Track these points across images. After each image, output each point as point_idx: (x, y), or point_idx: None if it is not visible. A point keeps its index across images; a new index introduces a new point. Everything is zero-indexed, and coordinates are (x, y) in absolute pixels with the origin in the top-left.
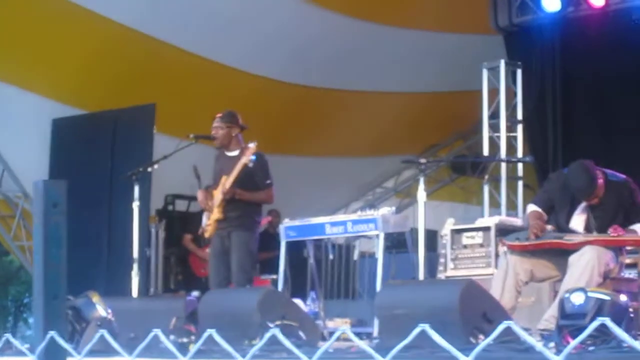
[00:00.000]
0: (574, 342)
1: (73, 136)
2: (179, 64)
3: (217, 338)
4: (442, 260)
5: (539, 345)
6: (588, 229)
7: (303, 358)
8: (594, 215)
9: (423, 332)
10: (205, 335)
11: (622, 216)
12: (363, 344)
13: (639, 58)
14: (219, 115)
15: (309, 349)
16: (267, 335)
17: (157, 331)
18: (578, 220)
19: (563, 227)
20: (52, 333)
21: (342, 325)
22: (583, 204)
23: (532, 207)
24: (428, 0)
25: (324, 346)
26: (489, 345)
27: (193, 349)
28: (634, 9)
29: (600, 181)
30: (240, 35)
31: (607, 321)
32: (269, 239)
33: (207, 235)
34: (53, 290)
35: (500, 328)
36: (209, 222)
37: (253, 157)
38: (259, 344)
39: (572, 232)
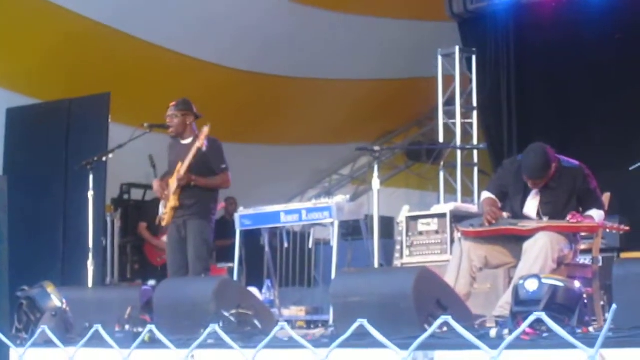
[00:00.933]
0: (510, 338)
1: (27, 126)
2: (132, 53)
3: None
4: (398, 247)
5: (475, 340)
6: (540, 213)
7: (244, 353)
8: (545, 200)
9: (383, 319)
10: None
11: (576, 202)
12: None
13: (592, 44)
14: (173, 103)
15: (264, 337)
16: (207, 331)
17: (98, 327)
18: (531, 205)
19: (517, 213)
20: None
21: (297, 314)
22: (536, 190)
23: (485, 194)
24: None
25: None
26: (443, 332)
27: (138, 340)
28: None
29: (553, 166)
30: (193, 22)
31: (543, 316)
32: (226, 227)
33: (163, 223)
34: None
35: (438, 323)
36: (165, 211)
37: (206, 142)
38: (197, 340)
39: (527, 218)
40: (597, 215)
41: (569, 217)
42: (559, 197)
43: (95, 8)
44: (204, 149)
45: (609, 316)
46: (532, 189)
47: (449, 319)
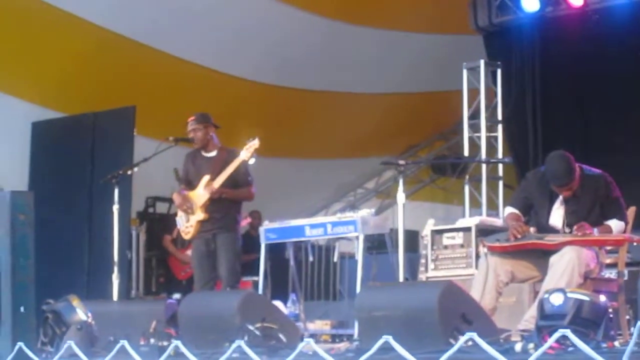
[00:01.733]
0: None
1: (53, 139)
2: (158, 66)
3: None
4: (422, 261)
5: (499, 356)
6: (566, 223)
7: None
8: (570, 209)
9: (408, 333)
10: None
11: (599, 210)
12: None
13: (617, 57)
14: (192, 118)
15: (289, 351)
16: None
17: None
18: (556, 215)
19: (543, 225)
20: (20, 344)
21: (322, 327)
22: (560, 199)
23: (509, 210)
24: (411, 1)
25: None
26: (468, 347)
27: (165, 355)
28: (612, 9)
29: (577, 174)
30: (218, 36)
31: (568, 332)
32: (251, 241)
33: (187, 237)
34: (20, 301)
35: (463, 339)
36: (189, 224)
37: (254, 156)
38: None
39: (553, 231)
40: (615, 225)
41: (574, 229)
42: (584, 205)
43: (122, 22)
44: (251, 162)
45: (635, 331)
46: (556, 200)
47: (474, 335)
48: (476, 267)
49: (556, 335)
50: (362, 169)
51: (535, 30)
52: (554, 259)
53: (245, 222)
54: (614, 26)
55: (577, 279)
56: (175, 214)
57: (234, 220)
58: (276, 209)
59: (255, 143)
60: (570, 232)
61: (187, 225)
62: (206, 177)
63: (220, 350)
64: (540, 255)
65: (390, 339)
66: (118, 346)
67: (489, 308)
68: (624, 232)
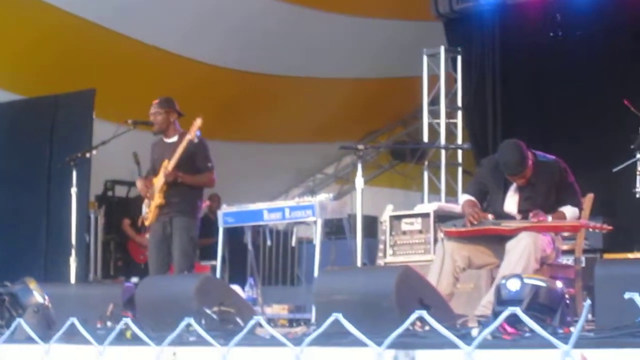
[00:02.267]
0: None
1: (11, 122)
2: (118, 49)
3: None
4: (381, 246)
5: (452, 336)
6: (520, 209)
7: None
8: (525, 195)
9: (365, 318)
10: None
11: (554, 196)
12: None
13: (577, 45)
14: (156, 101)
15: (247, 335)
16: (181, 325)
17: (73, 319)
18: (511, 202)
19: (498, 211)
20: None
21: (280, 312)
22: (514, 185)
23: (464, 197)
24: None
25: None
26: (425, 331)
27: (112, 335)
28: None
29: (530, 162)
30: (179, 20)
31: (518, 311)
32: (209, 225)
33: (147, 223)
34: None
35: (412, 317)
36: (149, 210)
37: (198, 133)
38: (171, 335)
39: (509, 218)
40: (569, 211)
41: (530, 216)
42: (539, 192)
43: (81, 4)
44: (195, 140)
45: (584, 312)
46: (510, 187)
47: (423, 313)
48: (434, 253)
49: (506, 313)
50: (322, 154)
51: (496, 17)
52: (510, 245)
53: (204, 205)
54: (574, 12)
55: (534, 264)
56: (134, 198)
57: (192, 205)
58: (236, 193)
59: (197, 122)
60: (525, 219)
61: (147, 211)
62: (165, 162)
63: (180, 333)
64: (497, 241)
65: (340, 316)
66: (67, 324)
67: (446, 293)
68: (578, 218)
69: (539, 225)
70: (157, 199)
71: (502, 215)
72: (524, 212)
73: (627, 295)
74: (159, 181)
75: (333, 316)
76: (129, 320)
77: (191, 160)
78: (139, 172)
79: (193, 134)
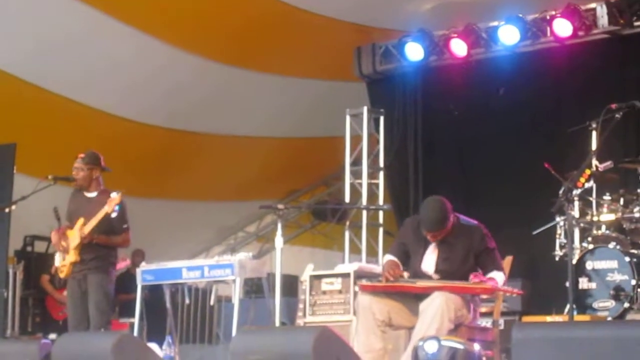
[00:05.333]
0: None
1: None
2: (40, 104)
3: None
4: (301, 306)
5: None
6: (437, 270)
7: None
8: (443, 256)
9: None
10: None
11: (473, 260)
12: None
13: (499, 107)
14: (80, 155)
15: None
16: None
17: None
18: (429, 260)
19: (416, 269)
20: None
21: None
22: (433, 245)
23: (387, 257)
24: (294, 47)
25: None
26: None
27: None
28: (494, 59)
29: (450, 223)
30: (107, 78)
31: None
32: (131, 281)
33: (62, 275)
34: None
35: None
36: (64, 263)
37: (117, 208)
38: None
39: (425, 277)
40: (498, 277)
41: (471, 277)
42: (456, 253)
43: (3, 58)
44: (113, 215)
45: None
46: (430, 245)
47: None
48: (354, 312)
49: None
50: (244, 213)
51: (418, 78)
52: (423, 305)
53: (124, 264)
54: (495, 75)
55: (447, 324)
56: (53, 254)
57: (106, 261)
58: (159, 250)
59: (116, 197)
60: (440, 279)
61: (62, 263)
62: (81, 220)
63: None
64: (414, 301)
65: None
66: None
67: (377, 348)
68: (504, 283)
69: (453, 285)
70: (72, 256)
71: (419, 274)
72: (440, 272)
73: None
74: (74, 238)
75: None
76: None
77: (108, 222)
78: (59, 227)
79: (111, 208)
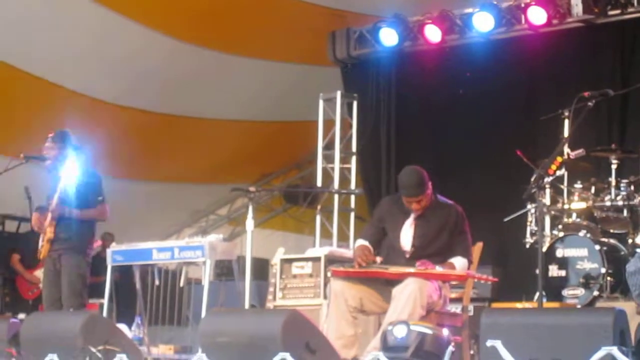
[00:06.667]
0: None
1: None
2: (11, 82)
3: None
4: (271, 289)
5: None
6: (414, 244)
7: None
8: (419, 232)
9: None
10: None
11: (446, 238)
12: None
13: (472, 92)
14: (50, 135)
15: None
16: None
17: None
18: (406, 235)
19: (393, 245)
20: None
21: (166, 352)
22: (410, 220)
23: (359, 242)
24: (270, 30)
25: None
26: None
27: None
28: (468, 46)
29: (429, 191)
30: (79, 59)
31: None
32: (101, 263)
33: (41, 256)
34: None
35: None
36: (42, 243)
37: (79, 177)
38: None
39: (401, 253)
40: (460, 263)
41: (417, 264)
42: (433, 229)
43: None
44: (73, 181)
45: None
46: (407, 221)
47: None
48: (324, 297)
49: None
50: (216, 195)
51: (392, 64)
52: (396, 291)
53: (96, 245)
54: (469, 61)
55: (420, 310)
56: (24, 233)
57: (82, 241)
58: (130, 232)
59: (72, 165)
60: (416, 257)
61: (41, 244)
62: (56, 197)
63: None
64: (386, 286)
65: None
66: None
67: (349, 335)
68: (468, 269)
69: (426, 272)
70: (48, 233)
71: (397, 250)
72: (416, 247)
73: (489, 343)
74: (49, 215)
75: None
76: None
77: (82, 195)
78: (30, 207)
79: (69, 175)
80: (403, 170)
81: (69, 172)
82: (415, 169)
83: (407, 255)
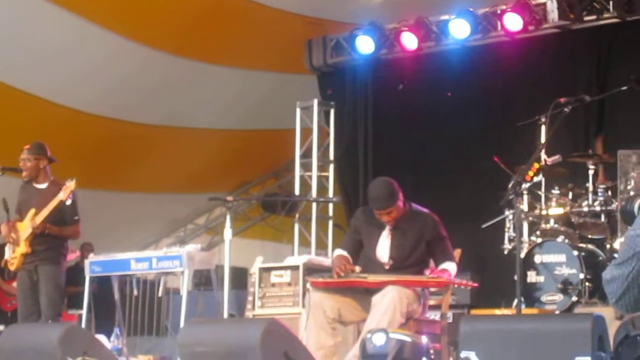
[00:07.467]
0: None
1: None
2: None
3: None
4: (250, 298)
5: None
6: (391, 256)
7: None
8: (395, 242)
9: None
10: None
11: (424, 247)
12: None
13: (449, 101)
14: (27, 147)
15: None
16: None
17: None
18: (383, 247)
19: (370, 257)
20: None
21: None
22: (386, 232)
23: (337, 252)
24: (246, 38)
25: None
26: None
27: None
28: (444, 53)
29: (400, 203)
30: (54, 67)
31: None
32: (80, 273)
33: (12, 268)
34: None
35: None
36: (14, 255)
37: (72, 196)
38: None
39: (379, 264)
40: (451, 267)
41: (427, 272)
42: (409, 240)
43: None
44: (68, 202)
45: None
46: (383, 232)
47: None
48: (303, 306)
49: None
50: (193, 205)
51: (369, 71)
52: (376, 299)
53: (74, 256)
54: (445, 68)
55: (399, 318)
56: (2, 245)
57: (58, 253)
58: (108, 242)
59: (71, 185)
60: (395, 268)
61: (12, 256)
62: (32, 211)
63: None
64: (365, 295)
65: None
66: None
67: (329, 345)
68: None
69: (405, 279)
70: (23, 247)
71: (374, 262)
72: (394, 259)
73: (463, 355)
74: (25, 229)
75: None
76: None
77: (60, 212)
78: (7, 219)
79: (66, 196)
80: (372, 182)
81: (57, 190)
82: (384, 181)
83: (387, 267)
